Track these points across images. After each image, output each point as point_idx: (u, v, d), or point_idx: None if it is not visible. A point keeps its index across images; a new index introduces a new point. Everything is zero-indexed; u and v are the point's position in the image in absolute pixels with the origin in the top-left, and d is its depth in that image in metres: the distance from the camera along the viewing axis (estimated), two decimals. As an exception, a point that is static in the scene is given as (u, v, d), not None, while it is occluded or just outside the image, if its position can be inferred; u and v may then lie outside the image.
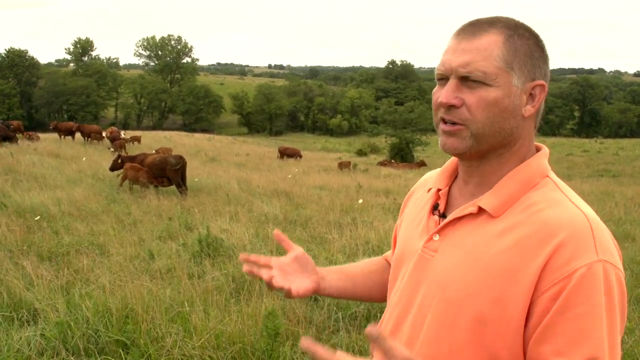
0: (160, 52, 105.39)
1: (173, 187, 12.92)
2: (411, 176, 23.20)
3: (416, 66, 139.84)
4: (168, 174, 12.84)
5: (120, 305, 4.00)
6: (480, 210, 1.17)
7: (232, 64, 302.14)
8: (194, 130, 73.29)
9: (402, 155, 36.62)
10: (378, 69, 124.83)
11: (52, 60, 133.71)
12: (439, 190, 1.31)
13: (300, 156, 32.83)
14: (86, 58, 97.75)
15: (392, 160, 33.82)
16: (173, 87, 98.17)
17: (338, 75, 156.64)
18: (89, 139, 29.61)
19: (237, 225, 8.00)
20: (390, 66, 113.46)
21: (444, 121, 1.17)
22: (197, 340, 3.51)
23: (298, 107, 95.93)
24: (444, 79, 1.17)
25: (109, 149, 24.25)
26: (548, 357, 1.03)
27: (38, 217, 7.49)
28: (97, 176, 14.21)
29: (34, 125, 65.36)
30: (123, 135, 30.20)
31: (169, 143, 32.88)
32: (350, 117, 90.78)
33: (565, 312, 1.01)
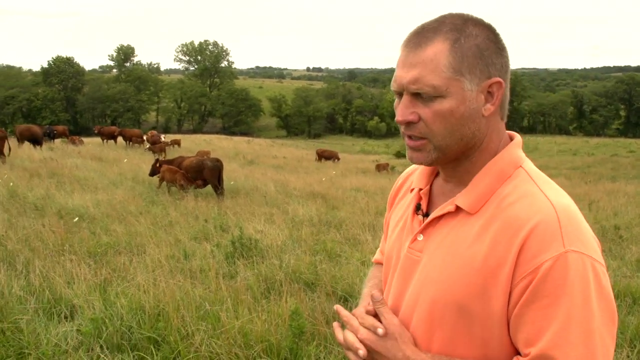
0: (199, 57, 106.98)
1: (210, 189, 13.15)
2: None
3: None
4: (205, 176, 13.07)
5: (153, 303, 4.12)
6: (458, 208, 1.19)
7: (270, 68, 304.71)
8: (233, 134, 74.22)
9: (440, 157, 36.30)
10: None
11: (97, 67, 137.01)
12: (420, 189, 1.33)
13: (338, 158, 32.90)
14: (128, 64, 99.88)
15: (430, 162, 33.60)
16: (212, 91, 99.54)
17: (377, 77, 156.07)
18: (131, 142, 30.31)
19: (271, 227, 8.10)
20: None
21: (409, 136, 1.18)
22: (225, 338, 3.59)
23: (336, 109, 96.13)
24: (400, 93, 1.18)
25: (146, 149, 24.74)
26: (520, 347, 1.08)
27: (77, 219, 7.72)
28: (137, 179, 14.51)
29: (79, 129, 67.19)
30: (163, 139, 30.79)
31: (208, 146, 33.42)
32: (391, 119, 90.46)
33: (534, 303, 1.04)
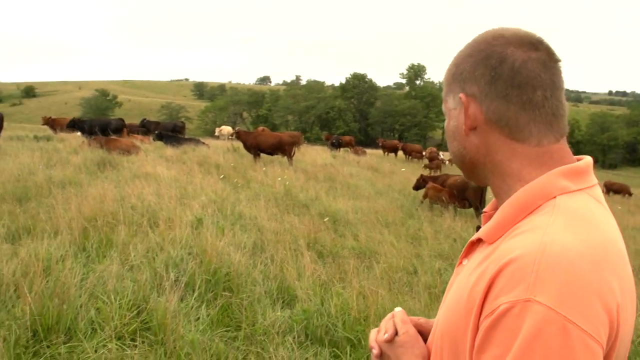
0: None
1: (471, 209, 12.98)
2: None
3: None
4: (468, 195, 12.95)
5: (362, 307, 4.29)
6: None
7: (566, 90, 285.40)
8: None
9: None
10: None
11: (391, 84, 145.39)
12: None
13: (630, 194, 29.21)
14: (419, 82, 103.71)
15: None
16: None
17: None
18: (410, 157, 31.63)
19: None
20: None
21: None
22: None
23: (639, 138, 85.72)
24: None
25: (424, 167, 25.41)
26: None
27: (327, 219, 8.35)
28: (403, 191, 15.04)
29: (369, 141, 72.08)
30: (441, 157, 31.32)
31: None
32: None
33: (484, 351, 0.90)
